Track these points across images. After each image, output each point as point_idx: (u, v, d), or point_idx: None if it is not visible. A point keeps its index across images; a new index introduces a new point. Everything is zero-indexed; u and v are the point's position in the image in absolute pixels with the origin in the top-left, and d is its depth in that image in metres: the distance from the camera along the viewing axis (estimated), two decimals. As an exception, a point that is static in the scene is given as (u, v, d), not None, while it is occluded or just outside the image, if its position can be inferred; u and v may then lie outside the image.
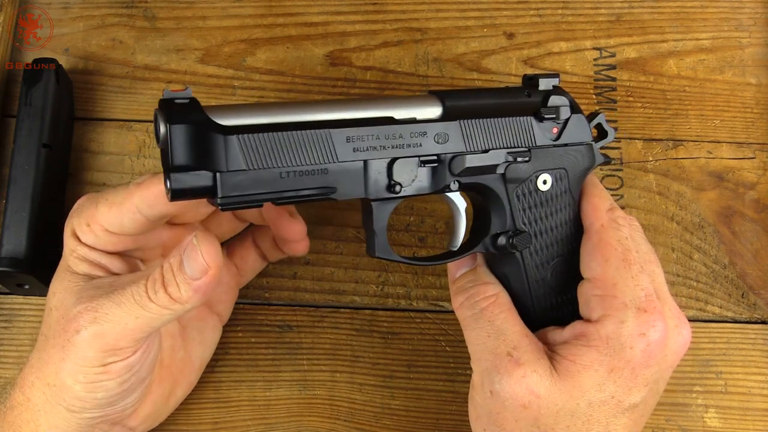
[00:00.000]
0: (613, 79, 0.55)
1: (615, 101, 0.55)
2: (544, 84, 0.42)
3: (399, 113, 0.39)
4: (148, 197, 0.38)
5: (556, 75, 0.43)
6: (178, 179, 0.34)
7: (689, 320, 0.51)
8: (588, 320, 0.39)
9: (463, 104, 0.41)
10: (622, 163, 0.54)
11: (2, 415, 0.41)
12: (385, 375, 0.50)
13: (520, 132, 0.41)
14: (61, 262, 0.41)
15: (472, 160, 0.39)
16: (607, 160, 0.44)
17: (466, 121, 0.40)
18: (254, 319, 0.51)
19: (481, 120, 0.40)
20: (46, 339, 0.40)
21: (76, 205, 0.41)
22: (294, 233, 0.45)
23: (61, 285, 0.40)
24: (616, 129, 0.54)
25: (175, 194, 0.34)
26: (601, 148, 0.45)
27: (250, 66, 0.55)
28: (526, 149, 0.41)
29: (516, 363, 0.38)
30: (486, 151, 0.40)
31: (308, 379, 0.50)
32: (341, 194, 0.37)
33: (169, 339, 0.44)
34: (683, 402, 0.50)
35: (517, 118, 0.41)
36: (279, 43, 0.55)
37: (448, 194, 0.41)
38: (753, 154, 0.54)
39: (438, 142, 0.39)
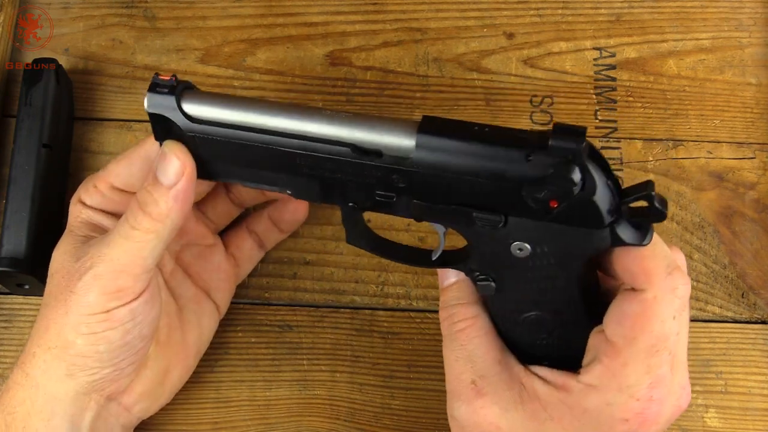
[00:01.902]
0: (613, 79, 0.55)
1: (615, 101, 0.55)
2: (557, 148, 0.32)
3: (368, 137, 0.35)
4: (156, 146, 0.39)
5: (580, 133, 0.31)
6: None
7: (689, 320, 0.51)
8: (579, 377, 0.35)
9: (438, 148, 0.34)
10: (622, 163, 0.54)
11: None
12: (385, 375, 0.50)
13: (499, 198, 0.34)
14: (66, 230, 0.42)
15: (429, 211, 0.36)
16: (640, 241, 0.33)
17: (428, 173, 0.34)
18: (254, 319, 0.51)
19: (449, 175, 0.34)
20: (46, 305, 0.40)
21: (82, 182, 0.43)
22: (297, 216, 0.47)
23: (62, 249, 0.41)
24: (615, 129, 0.54)
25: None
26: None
27: (250, 66, 0.55)
28: (502, 216, 0.34)
29: (478, 392, 0.37)
30: (447, 204, 0.35)
31: (308, 379, 0.50)
32: (298, 196, 0.39)
33: (165, 317, 0.44)
34: (683, 402, 0.50)
35: (500, 182, 0.33)
36: (279, 43, 0.56)
37: None
38: (753, 154, 0.54)
39: (392, 184, 0.35)
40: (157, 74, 0.37)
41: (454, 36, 0.56)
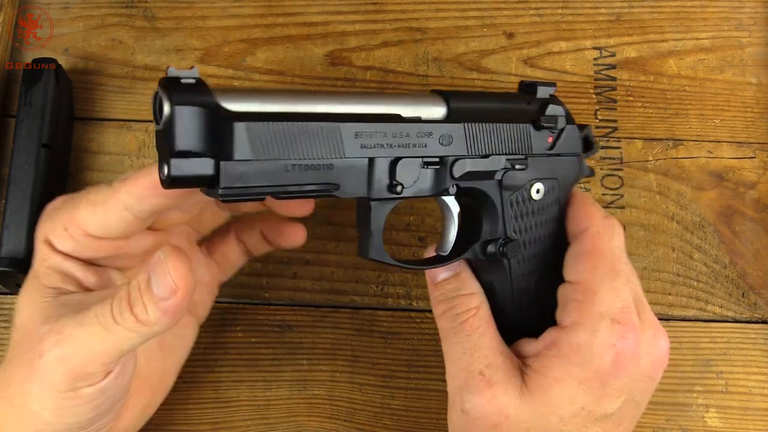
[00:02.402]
0: (613, 79, 0.55)
1: (615, 101, 0.55)
2: (542, 92, 0.42)
3: (405, 111, 0.38)
4: (137, 191, 0.35)
5: (553, 84, 0.42)
6: (178, 165, 0.31)
7: (690, 320, 0.51)
8: (561, 325, 0.38)
9: (467, 106, 0.40)
10: (622, 163, 0.54)
11: None
12: (385, 375, 0.50)
13: (519, 139, 0.41)
14: (31, 272, 0.38)
15: (474, 165, 0.39)
16: (591, 173, 0.44)
17: (470, 124, 0.39)
18: (254, 319, 0.51)
19: (484, 124, 0.39)
20: (11, 357, 0.36)
21: (48, 209, 0.38)
22: (304, 210, 0.43)
23: (28, 300, 0.37)
24: (615, 128, 0.54)
25: (173, 181, 0.31)
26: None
27: (250, 66, 0.55)
28: (524, 157, 0.40)
29: (487, 383, 0.37)
30: (486, 156, 0.39)
31: (308, 379, 0.50)
32: (344, 192, 0.36)
33: (145, 351, 0.42)
34: (684, 402, 0.50)
35: (517, 125, 0.41)
36: (279, 43, 0.55)
37: (443, 197, 0.40)
38: (753, 154, 0.54)
39: (442, 144, 0.38)
40: (171, 67, 0.32)
41: (454, 36, 0.56)
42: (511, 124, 0.40)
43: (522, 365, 0.38)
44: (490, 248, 0.40)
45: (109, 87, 0.54)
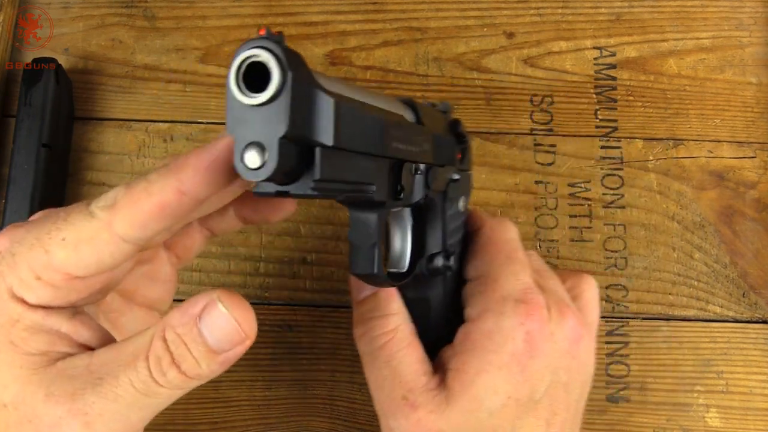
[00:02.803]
0: (614, 79, 0.55)
1: (615, 100, 0.55)
2: (448, 113, 0.42)
3: (403, 112, 0.36)
4: (139, 219, 0.29)
5: (447, 103, 0.44)
6: (286, 151, 0.24)
7: (690, 320, 0.51)
8: (470, 319, 0.38)
9: (428, 116, 0.38)
10: (622, 163, 0.53)
11: None
12: (385, 375, 0.50)
13: (452, 152, 0.41)
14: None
15: (442, 174, 0.38)
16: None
17: (437, 134, 0.38)
18: (254, 319, 0.51)
19: (442, 135, 0.39)
20: None
21: (5, 263, 0.30)
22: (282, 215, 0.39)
23: (7, 375, 0.29)
24: (616, 128, 0.54)
25: (275, 172, 0.24)
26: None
27: (250, 66, 0.55)
28: (457, 169, 0.41)
29: (411, 407, 0.36)
30: (443, 166, 0.39)
31: (308, 378, 0.49)
32: (376, 195, 0.32)
33: None
34: (684, 402, 0.50)
35: (450, 137, 0.41)
36: (279, 42, 0.55)
37: (403, 209, 0.38)
38: (753, 154, 0.54)
39: (425, 150, 0.36)
40: (268, 28, 0.25)
41: (454, 35, 0.56)
42: (449, 137, 0.40)
43: (442, 374, 0.37)
44: (435, 262, 0.39)
45: (109, 87, 0.55)
